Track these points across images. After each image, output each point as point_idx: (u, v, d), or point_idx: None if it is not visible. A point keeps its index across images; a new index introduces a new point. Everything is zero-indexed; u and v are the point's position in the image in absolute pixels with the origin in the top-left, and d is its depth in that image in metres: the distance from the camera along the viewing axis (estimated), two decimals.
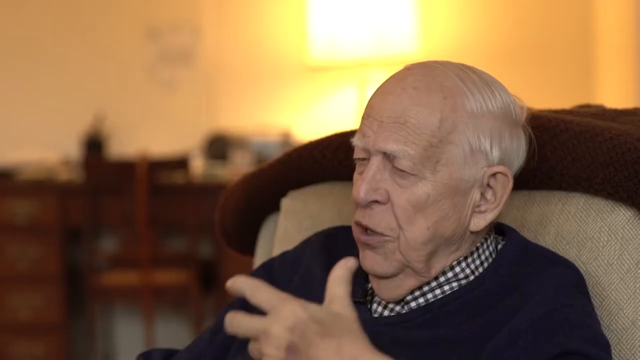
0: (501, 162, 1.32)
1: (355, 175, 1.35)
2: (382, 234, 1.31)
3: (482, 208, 1.33)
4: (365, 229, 1.32)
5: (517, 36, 4.68)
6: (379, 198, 1.30)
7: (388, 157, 1.30)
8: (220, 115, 4.77)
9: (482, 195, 1.32)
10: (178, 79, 4.80)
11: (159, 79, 4.80)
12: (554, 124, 1.48)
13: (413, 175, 1.29)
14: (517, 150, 1.35)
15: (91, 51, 4.79)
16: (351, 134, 1.67)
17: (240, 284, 1.08)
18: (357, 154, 1.34)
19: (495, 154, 1.32)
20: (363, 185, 1.30)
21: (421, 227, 1.29)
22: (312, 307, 1.07)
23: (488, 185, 1.32)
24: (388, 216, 1.30)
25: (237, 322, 1.07)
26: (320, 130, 3.48)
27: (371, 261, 1.33)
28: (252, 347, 1.09)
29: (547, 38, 4.69)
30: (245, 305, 1.19)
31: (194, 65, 4.78)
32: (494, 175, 1.32)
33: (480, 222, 1.33)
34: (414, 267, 1.32)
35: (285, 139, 4.50)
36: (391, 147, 1.29)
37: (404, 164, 1.28)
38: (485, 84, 1.33)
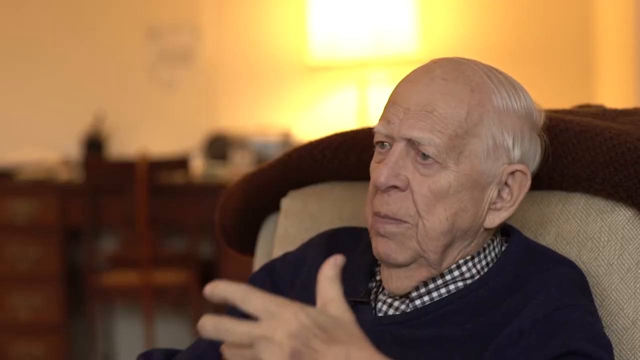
0: (521, 162, 1.33)
1: (373, 164, 1.35)
2: (401, 220, 1.31)
3: (498, 205, 1.34)
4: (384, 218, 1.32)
5: (517, 36, 4.68)
6: (399, 184, 1.30)
7: (412, 144, 1.30)
8: (220, 115, 4.77)
9: (499, 193, 1.33)
10: (178, 79, 4.80)
11: (159, 79, 4.80)
12: (554, 124, 1.48)
13: (437, 163, 1.29)
14: (534, 154, 1.36)
15: (91, 51, 4.78)
16: (351, 133, 1.69)
17: (224, 289, 1.01)
18: (378, 139, 1.34)
19: (517, 152, 1.33)
20: (385, 169, 1.30)
21: (440, 217, 1.30)
22: (313, 311, 1.02)
23: (506, 183, 1.33)
24: (407, 203, 1.30)
25: (225, 328, 0.99)
26: (320, 130, 3.48)
27: (385, 248, 1.32)
28: (239, 354, 1.01)
29: (547, 38, 4.69)
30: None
31: (194, 65, 4.78)
32: (512, 173, 1.33)
33: (495, 219, 1.34)
34: (429, 257, 1.31)
35: (285, 139, 4.50)
36: (417, 134, 1.29)
37: (429, 149, 1.29)
38: (511, 84, 1.35)
